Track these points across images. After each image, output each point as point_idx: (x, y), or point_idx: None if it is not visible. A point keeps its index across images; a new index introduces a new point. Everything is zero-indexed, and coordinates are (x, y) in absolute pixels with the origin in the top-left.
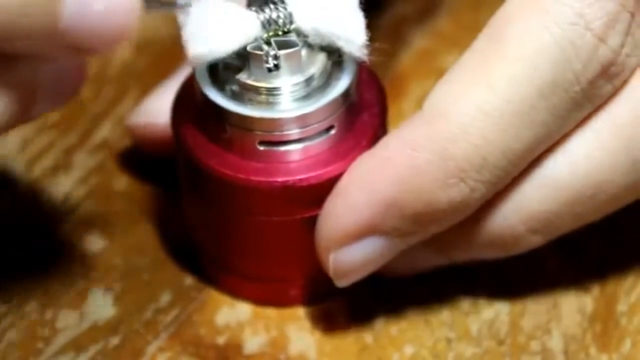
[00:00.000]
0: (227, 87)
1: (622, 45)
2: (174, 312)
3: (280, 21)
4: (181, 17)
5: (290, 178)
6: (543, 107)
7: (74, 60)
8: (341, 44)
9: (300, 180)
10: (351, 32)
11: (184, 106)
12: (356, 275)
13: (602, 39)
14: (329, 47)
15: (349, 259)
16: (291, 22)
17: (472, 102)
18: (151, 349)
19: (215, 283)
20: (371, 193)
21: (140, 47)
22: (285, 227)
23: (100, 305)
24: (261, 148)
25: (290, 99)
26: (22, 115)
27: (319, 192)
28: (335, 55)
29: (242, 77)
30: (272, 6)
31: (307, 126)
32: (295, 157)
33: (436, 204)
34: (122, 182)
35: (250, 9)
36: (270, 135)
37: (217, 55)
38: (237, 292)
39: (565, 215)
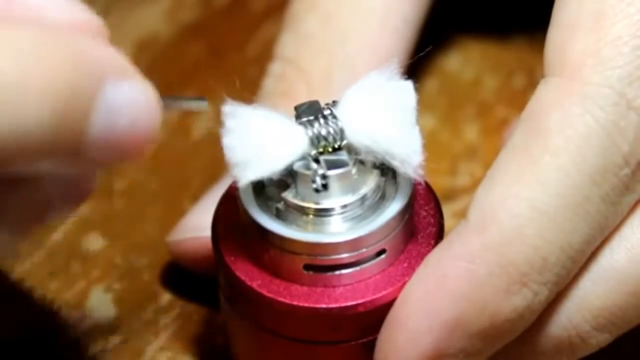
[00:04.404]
0: (272, 205)
1: None
2: (174, 312)
3: (330, 138)
4: (223, 128)
5: (335, 305)
6: (596, 195)
7: (92, 171)
8: (396, 163)
9: (347, 307)
10: (407, 152)
11: (224, 222)
12: None
13: None
14: (382, 165)
15: None
16: (342, 139)
17: (523, 201)
18: (151, 349)
19: None
20: (432, 317)
21: (140, 47)
22: (330, 355)
23: (100, 305)
24: (306, 272)
25: (339, 220)
26: (33, 228)
27: (367, 319)
28: (389, 174)
29: (288, 195)
30: (322, 121)
31: (356, 251)
32: (341, 281)
33: (501, 316)
34: (122, 182)
35: (299, 122)
36: (315, 259)
37: (261, 173)
38: None
39: (631, 307)
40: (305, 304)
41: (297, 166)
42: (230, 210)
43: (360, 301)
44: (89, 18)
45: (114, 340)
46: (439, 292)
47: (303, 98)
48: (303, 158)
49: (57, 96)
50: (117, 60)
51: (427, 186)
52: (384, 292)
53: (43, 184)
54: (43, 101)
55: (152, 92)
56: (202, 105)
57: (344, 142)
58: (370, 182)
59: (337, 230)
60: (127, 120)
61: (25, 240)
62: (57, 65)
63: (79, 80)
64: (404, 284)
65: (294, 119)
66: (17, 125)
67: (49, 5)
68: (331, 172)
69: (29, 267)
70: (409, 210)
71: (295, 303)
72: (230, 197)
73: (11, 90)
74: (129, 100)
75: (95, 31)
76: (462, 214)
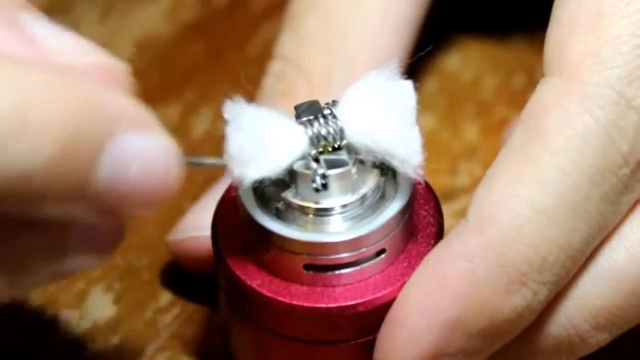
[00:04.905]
0: (272, 204)
1: None
2: (174, 312)
3: (330, 137)
4: (225, 130)
5: (335, 305)
6: (596, 195)
7: (107, 223)
8: (396, 163)
9: (347, 307)
10: (407, 152)
11: (224, 222)
12: None
13: None
14: (382, 165)
15: None
16: (342, 139)
17: (523, 201)
18: (151, 349)
19: None
20: (432, 317)
21: (140, 47)
22: (330, 355)
23: (100, 305)
24: (306, 272)
25: (339, 220)
26: (49, 280)
27: (367, 319)
28: (389, 174)
29: (288, 195)
30: (322, 121)
31: (356, 251)
32: (341, 281)
33: (501, 315)
34: None
35: (299, 122)
36: (315, 259)
37: (262, 174)
38: None
39: (631, 307)
40: (305, 304)
41: (297, 166)
42: (230, 210)
43: (360, 301)
44: (111, 64)
45: (114, 340)
46: (439, 292)
47: (303, 98)
48: (303, 158)
49: (58, 139)
50: (132, 110)
51: (427, 186)
52: (384, 292)
53: (58, 230)
54: (42, 142)
55: (169, 145)
56: (221, 164)
57: (344, 142)
58: (370, 182)
59: (337, 230)
60: (138, 170)
61: (42, 284)
62: (60, 108)
63: (85, 126)
64: (404, 284)
65: (294, 118)
66: (14, 165)
67: (71, 49)
68: (331, 172)
69: None
70: (409, 210)
71: (295, 303)
72: (231, 197)
73: (9, 129)
74: (142, 152)
75: (116, 78)
76: (462, 214)
